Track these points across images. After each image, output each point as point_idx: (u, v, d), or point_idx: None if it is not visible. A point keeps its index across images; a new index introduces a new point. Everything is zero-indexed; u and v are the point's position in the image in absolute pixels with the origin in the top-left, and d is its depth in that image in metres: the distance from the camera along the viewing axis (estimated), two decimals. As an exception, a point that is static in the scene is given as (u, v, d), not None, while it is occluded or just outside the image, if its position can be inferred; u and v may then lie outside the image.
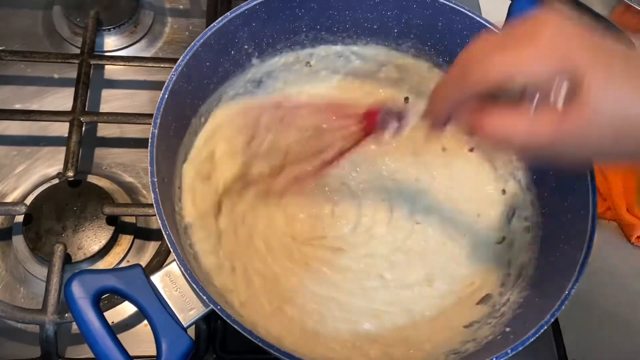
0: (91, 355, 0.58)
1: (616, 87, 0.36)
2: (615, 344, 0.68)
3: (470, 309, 0.58)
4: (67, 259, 0.61)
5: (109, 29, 0.78)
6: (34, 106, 0.72)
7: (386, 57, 0.67)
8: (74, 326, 0.61)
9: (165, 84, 0.52)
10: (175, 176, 0.56)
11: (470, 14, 0.61)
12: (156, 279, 0.47)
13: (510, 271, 0.60)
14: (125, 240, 0.66)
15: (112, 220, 0.65)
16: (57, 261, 0.59)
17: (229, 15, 0.57)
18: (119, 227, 0.65)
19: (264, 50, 0.64)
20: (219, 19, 0.56)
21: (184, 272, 0.45)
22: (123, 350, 0.44)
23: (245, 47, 0.61)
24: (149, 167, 0.48)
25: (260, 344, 0.43)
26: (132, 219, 0.67)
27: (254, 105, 0.65)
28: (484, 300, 0.58)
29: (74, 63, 0.72)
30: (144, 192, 0.70)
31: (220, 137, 0.62)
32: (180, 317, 0.46)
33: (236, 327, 0.43)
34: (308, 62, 0.67)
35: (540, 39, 0.36)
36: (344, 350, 0.55)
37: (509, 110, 0.38)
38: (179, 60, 0.54)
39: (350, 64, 0.69)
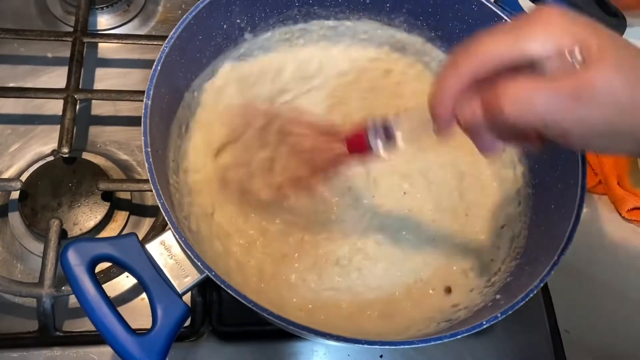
0: (88, 328, 0.60)
1: (624, 70, 0.36)
2: (606, 314, 0.69)
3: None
4: (63, 235, 0.61)
5: (102, 8, 0.78)
6: (29, 84, 0.72)
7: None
8: (71, 300, 0.62)
9: (158, 56, 0.53)
10: (169, 149, 0.57)
11: None
12: (151, 247, 0.48)
13: (500, 242, 0.61)
14: (121, 216, 0.66)
15: (107, 196, 0.65)
16: (54, 236, 0.60)
17: None
18: (115, 203, 0.66)
19: (257, 24, 0.64)
20: None
21: (179, 239, 0.45)
22: (119, 316, 0.45)
23: (238, 21, 0.62)
24: (143, 137, 0.49)
25: (255, 309, 0.44)
26: (127, 196, 0.67)
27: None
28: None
29: (68, 41, 0.72)
30: (139, 169, 0.70)
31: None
32: (175, 283, 0.47)
33: (230, 291, 0.44)
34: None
35: (549, 21, 0.36)
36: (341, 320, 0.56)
37: (525, 78, 0.37)
38: (172, 32, 0.54)
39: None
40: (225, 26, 0.60)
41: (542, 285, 0.48)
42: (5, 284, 0.58)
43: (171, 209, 0.48)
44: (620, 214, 0.75)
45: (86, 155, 0.68)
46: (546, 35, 0.36)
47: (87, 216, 0.64)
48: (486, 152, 0.42)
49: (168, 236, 0.48)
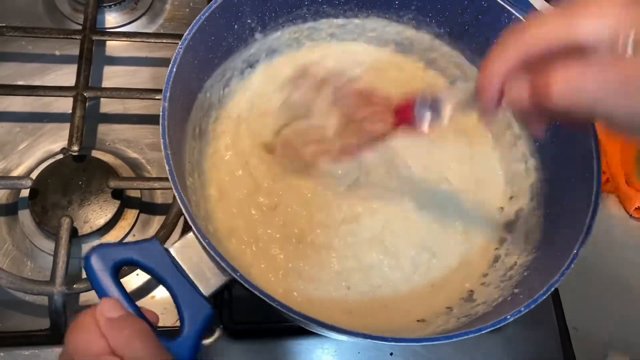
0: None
1: None
2: (613, 312, 0.70)
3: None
4: (73, 233, 0.61)
5: (110, 6, 0.78)
6: (37, 82, 0.73)
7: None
8: (82, 297, 0.62)
9: (173, 57, 0.52)
10: (184, 151, 0.56)
11: None
12: (174, 250, 0.47)
13: (516, 236, 0.61)
14: (131, 214, 0.66)
15: (117, 194, 0.65)
16: (65, 234, 0.60)
17: None
18: (125, 201, 0.66)
19: (267, 24, 0.64)
20: None
21: (202, 242, 0.44)
22: (146, 321, 0.44)
23: (249, 21, 0.61)
24: (162, 140, 0.48)
25: (282, 310, 0.43)
26: (137, 194, 0.67)
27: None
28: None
29: (76, 39, 0.71)
30: (148, 167, 0.70)
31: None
32: (200, 286, 0.46)
33: (256, 292, 0.43)
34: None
35: (603, 4, 0.36)
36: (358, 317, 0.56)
37: (575, 63, 0.36)
38: (185, 34, 0.53)
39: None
40: (236, 26, 0.60)
41: (561, 279, 0.48)
42: (18, 282, 0.58)
43: (193, 210, 0.48)
44: (628, 212, 0.75)
45: (95, 153, 0.68)
46: (599, 20, 0.35)
47: (97, 214, 0.64)
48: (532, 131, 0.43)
49: (190, 238, 0.48)
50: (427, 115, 0.47)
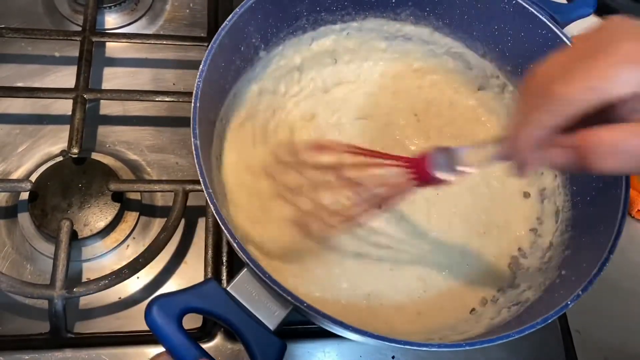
0: (99, 330, 0.60)
1: None
2: (616, 314, 0.69)
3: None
4: (73, 236, 0.61)
5: (110, 7, 0.78)
6: (36, 84, 0.72)
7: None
8: (82, 301, 0.61)
9: (194, 92, 0.51)
10: (214, 183, 0.55)
11: None
12: (233, 289, 0.47)
13: (543, 216, 0.61)
14: (131, 217, 0.66)
15: (117, 196, 0.65)
16: (65, 237, 0.59)
17: (238, 11, 0.56)
18: (125, 204, 0.65)
19: (269, 40, 0.64)
20: (229, 17, 0.56)
21: (262, 276, 0.44)
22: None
23: (253, 40, 0.61)
24: (200, 179, 0.47)
25: (345, 330, 0.44)
26: (137, 196, 0.67)
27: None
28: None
29: (76, 40, 0.71)
30: (149, 169, 0.70)
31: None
32: (266, 322, 0.46)
33: (324, 319, 0.43)
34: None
35: (621, 50, 0.33)
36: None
37: (614, 127, 0.34)
38: (201, 65, 0.52)
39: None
40: (242, 48, 0.60)
41: (612, 255, 0.48)
42: (17, 286, 0.57)
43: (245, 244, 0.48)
44: (630, 214, 0.75)
45: (95, 156, 0.68)
46: (629, 74, 0.33)
47: (97, 217, 0.64)
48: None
49: (246, 274, 0.47)
50: (446, 170, 0.46)
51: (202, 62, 0.53)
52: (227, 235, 0.45)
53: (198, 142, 0.49)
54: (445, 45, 0.69)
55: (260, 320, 0.46)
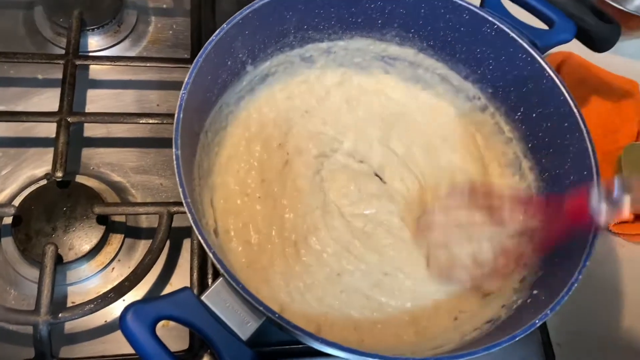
0: (85, 354, 0.60)
1: None
2: (597, 327, 0.71)
3: None
4: (58, 260, 0.61)
5: (92, 29, 0.78)
6: (19, 107, 0.72)
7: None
8: (68, 325, 0.61)
9: (178, 103, 0.52)
10: (195, 193, 0.56)
11: None
12: (207, 298, 0.47)
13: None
14: (116, 239, 0.66)
15: (102, 219, 0.65)
16: (49, 262, 0.59)
17: (225, 26, 0.57)
18: (110, 226, 0.65)
19: (257, 56, 0.65)
20: (217, 31, 0.56)
21: (236, 287, 0.45)
22: None
23: (240, 55, 0.62)
24: (180, 188, 0.48)
25: (324, 346, 0.44)
26: (122, 218, 0.67)
27: None
28: None
29: (59, 64, 0.71)
30: (133, 191, 0.70)
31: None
32: (239, 332, 0.46)
33: (299, 332, 0.44)
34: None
35: None
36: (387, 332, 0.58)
37: None
38: (186, 78, 0.53)
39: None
40: (229, 62, 0.61)
41: (580, 276, 0.49)
42: (2, 312, 0.57)
43: (221, 254, 0.48)
44: (607, 228, 0.77)
45: (79, 178, 0.68)
46: None
47: (82, 240, 0.64)
48: None
49: (221, 284, 0.48)
50: (606, 207, 0.46)
51: (188, 74, 0.54)
52: (203, 243, 0.46)
53: (179, 152, 0.50)
54: (429, 67, 0.71)
55: (233, 330, 0.47)
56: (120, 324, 0.44)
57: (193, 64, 0.54)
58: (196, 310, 0.46)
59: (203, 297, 0.47)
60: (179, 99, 0.52)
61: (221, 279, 0.47)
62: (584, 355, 0.69)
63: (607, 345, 0.70)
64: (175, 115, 0.51)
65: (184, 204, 0.47)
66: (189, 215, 0.47)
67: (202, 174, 0.59)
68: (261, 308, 0.44)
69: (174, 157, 0.49)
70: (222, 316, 0.47)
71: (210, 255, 0.46)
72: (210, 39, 0.56)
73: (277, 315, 0.44)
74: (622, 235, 0.76)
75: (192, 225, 0.47)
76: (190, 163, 0.55)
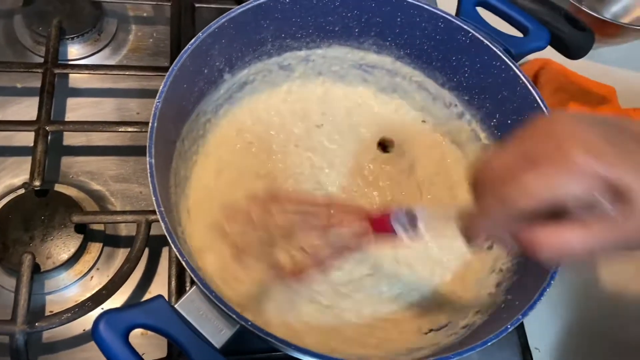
0: (63, 364, 0.60)
1: None
2: (574, 332, 0.71)
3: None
4: (36, 269, 0.61)
5: (72, 38, 0.78)
6: (-2, 116, 0.72)
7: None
8: (46, 334, 0.61)
9: (153, 111, 0.52)
10: (171, 202, 0.56)
11: (427, 7, 0.64)
12: (181, 307, 0.47)
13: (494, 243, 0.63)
14: (95, 248, 0.66)
15: (80, 228, 0.65)
16: (26, 271, 0.59)
17: (200, 35, 0.57)
18: (88, 235, 0.65)
19: (234, 64, 0.65)
20: (192, 40, 0.57)
21: (209, 294, 0.45)
22: None
23: (217, 64, 0.62)
24: (153, 197, 0.48)
25: (298, 353, 0.45)
26: (100, 227, 0.67)
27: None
28: None
29: (38, 72, 0.71)
30: (112, 199, 0.70)
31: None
32: (212, 340, 0.46)
33: (272, 340, 0.44)
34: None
35: (570, 157, 0.35)
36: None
37: (558, 225, 0.37)
38: (161, 87, 0.54)
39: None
40: (206, 71, 0.61)
41: (552, 281, 0.50)
42: (-23, 322, 0.57)
43: (193, 262, 0.48)
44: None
45: (58, 187, 0.68)
46: (576, 181, 0.35)
47: (60, 249, 0.63)
48: None
49: (193, 293, 0.48)
50: (403, 228, 0.48)
51: (163, 83, 0.54)
52: (175, 251, 0.46)
53: (153, 160, 0.50)
54: (406, 75, 0.71)
55: (206, 338, 0.47)
56: (92, 332, 0.44)
57: (168, 73, 0.54)
58: (170, 318, 0.46)
59: (177, 306, 0.47)
60: (154, 108, 0.52)
61: (195, 287, 0.47)
62: (562, 359, 0.70)
63: (585, 349, 0.71)
64: (150, 124, 0.51)
65: (157, 212, 0.47)
66: (161, 223, 0.47)
67: (178, 182, 0.59)
68: (234, 316, 0.45)
69: (147, 165, 0.49)
70: (196, 324, 0.47)
71: (183, 263, 0.46)
72: (186, 48, 0.56)
73: (249, 323, 0.45)
74: (599, 240, 0.77)
75: (165, 232, 0.47)
76: (166, 171, 0.56)
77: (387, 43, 0.70)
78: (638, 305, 0.74)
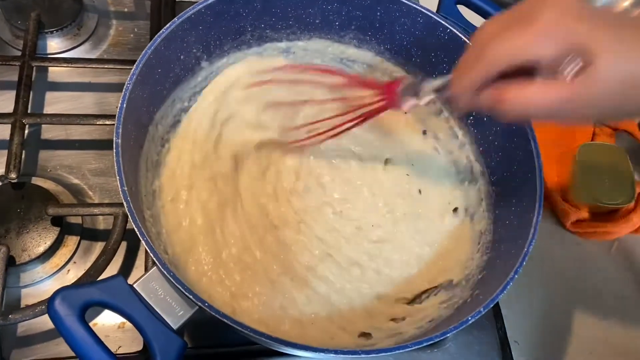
0: (37, 357, 0.59)
1: (626, 54, 0.38)
2: (554, 325, 0.72)
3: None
4: (10, 261, 0.60)
5: (52, 32, 0.78)
6: (-25, 109, 0.71)
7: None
8: (21, 328, 0.60)
9: (122, 93, 0.52)
10: (140, 184, 0.56)
11: (406, 1, 0.65)
12: (139, 286, 0.47)
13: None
14: (72, 241, 0.66)
15: (57, 221, 0.64)
16: (0, 263, 0.58)
17: (176, 20, 0.57)
18: (65, 228, 0.65)
19: (212, 52, 0.65)
20: (167, 25, 0.57)
21: (168, 275, 0.45)
22: None
23: (194, 50, 0.62)
24: (117, 177, 0.48)
25: (253, 335, 0.44)
26: (78, 220, 0.67)
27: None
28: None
29: (15, 65, 0.71)
30: (90, 193, 0.70)
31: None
32: (169, 320, 0.46)
33: (227, 321, 0.44)
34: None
35: (541, 19, 0.39)
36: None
37: (525, 83, 0.41)
38: (133, 68, 0.54)
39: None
40: (182, 57, 0.61)
41: (516, 277, 0.51)
42: (-51, 314, 0.56)
43: (155, 244, 0.48)
44: (564, 227, 0.78)
45: (36, 180, 0.68)
46: (547, 41, 0.39)
47: (36, 242, 0.63)
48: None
49: (154, 273, 0.48)
50: (408, 97, 0.55)
51: (135, 65, 0.54)
52: (135, 228, 0.46)
53: (120, 140, 0.50)
54: (386, 69, 0.72)
55: (164, 319, 0.47)
56: (47, 308, 0.44)
57: (140, 56, 0.54)
58: (127, 297, 0.46)
59: (135, 285, 0.47)
60: (124, 89, 0.52)
61: (154, 267, 0.47)
62: (541, 351, 0.70)
63: (563, 342, 0.71)
64: (119, 105, 0.51)
65: (120, 191, 0.47)
66: (124, 202, 0.47)
67: (149, 167, 0.59)
68: (190, 296, 0.44)
69: (113, 145, 0.49)
70: (153, 304, 0.47)
71: (143, 242, 0.46)
72: (160, 32, 0.56)
73: (206, 304, 0.45)
74: (577, 234, 0.77)
75: (127, 212, 0.47)
76: (137, 154, 0.56)
77: (367, 37, 0.70)
78: (617, 300, 0.75)
